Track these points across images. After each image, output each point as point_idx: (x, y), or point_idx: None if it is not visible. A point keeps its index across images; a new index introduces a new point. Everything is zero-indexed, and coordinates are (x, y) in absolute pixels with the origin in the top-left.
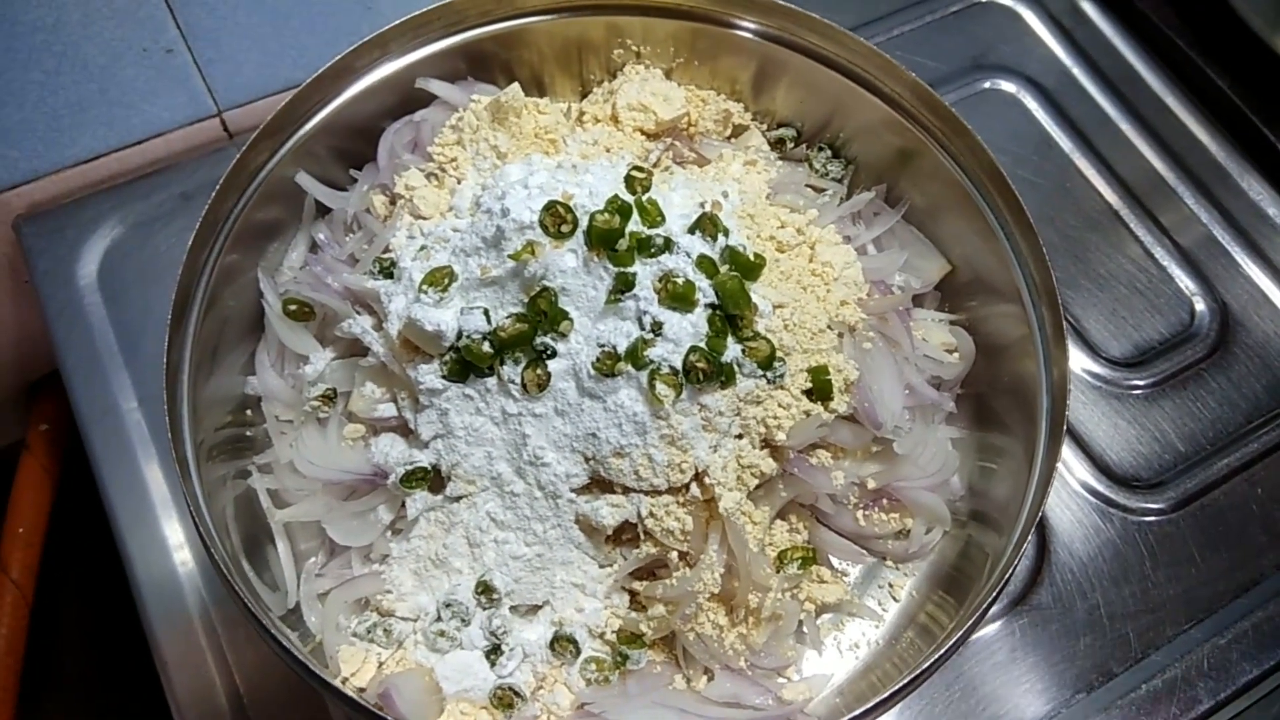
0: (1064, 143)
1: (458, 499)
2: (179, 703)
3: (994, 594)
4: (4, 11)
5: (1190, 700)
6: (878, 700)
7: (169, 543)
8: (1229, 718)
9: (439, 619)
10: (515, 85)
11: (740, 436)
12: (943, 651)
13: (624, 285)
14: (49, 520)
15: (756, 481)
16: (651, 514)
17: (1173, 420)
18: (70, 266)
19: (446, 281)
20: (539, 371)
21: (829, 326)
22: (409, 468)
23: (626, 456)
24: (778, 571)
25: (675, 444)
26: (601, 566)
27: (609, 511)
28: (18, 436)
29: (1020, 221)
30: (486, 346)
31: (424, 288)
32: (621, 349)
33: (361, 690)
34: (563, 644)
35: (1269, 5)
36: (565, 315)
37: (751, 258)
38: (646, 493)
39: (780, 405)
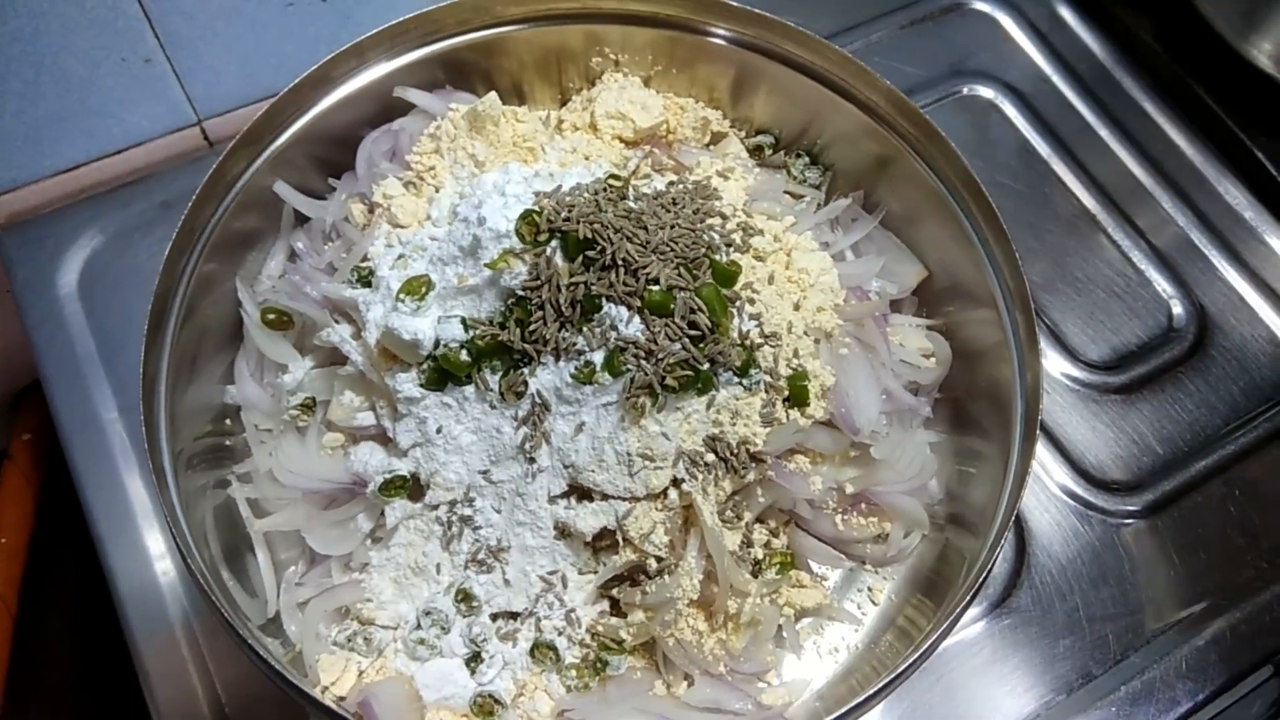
0: (1042, 148)
1: (437, 507)
2: (161, 713)
3: (970, 595)
4: None
5: (1169, 701)
6: (855, 703)
7: (150, 553)
8: (1208, 718)
9: (419, 627)
10: (493, 94)
11: (718, 443)
12: (920, 653)
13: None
14: (32, 530)
15: (734, 487)
16: (630, 520)
17: (1151, 423)
18: (50, 276)
19: (424, 290)
20: (516, 379)
21: (805, 333)
22: (388, 476)
23: (604, 464)
24: (756, 577)
25: (652, 451)
26: (581, 573)
27: (588, 518)
28: (0, 446)
29: (994, 227)
30: (464, 355)
31: (401, 296)
32: (598, 358)
33: (341, 699)
34: (543, 651)
35: (1236, 11)
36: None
37: (727, 264)
38: (625, 499)
39: (757, 412)
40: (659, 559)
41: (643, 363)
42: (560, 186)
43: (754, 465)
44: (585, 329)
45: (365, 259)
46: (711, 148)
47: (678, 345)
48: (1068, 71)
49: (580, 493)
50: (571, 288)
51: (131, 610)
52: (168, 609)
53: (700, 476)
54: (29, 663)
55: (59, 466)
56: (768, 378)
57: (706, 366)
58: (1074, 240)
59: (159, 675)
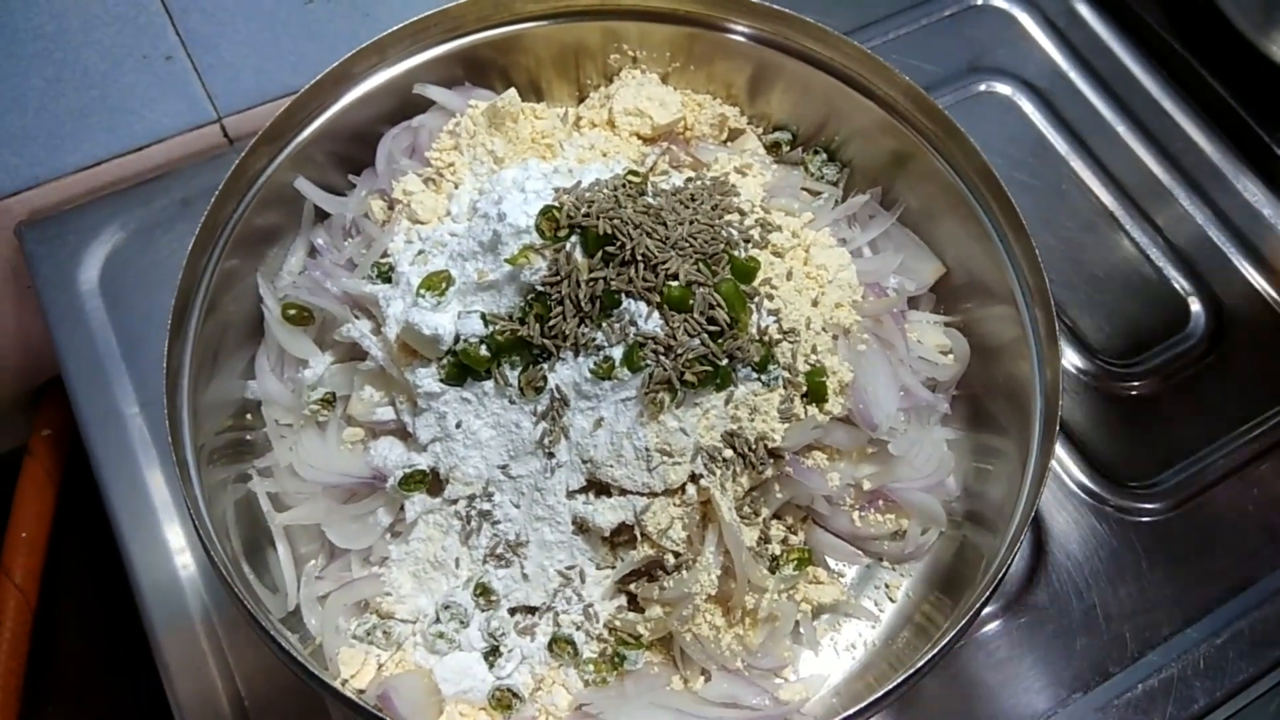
0: (1060, 145)
1: (455, 501)
2: (181, 706)
3: (988, 593)
4: (4, 19)
5: (1186, 700)
6: (872, 699)
7: (170, 546)
8: (1225, 717)
9: (438, 621)
10: (512, 91)
11: (736, 439)
12: (937, 650)
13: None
14: (52, 525)
15: (752, 483)
16: (648, 516)
17: (1168, 420)
18: (72, 272)
19: (444, 286)
20: (535, 375)
21: (824, 329)
22: (407, 470)
23: (622, 459)
24: (774, 573)
25: (670, 447)
26: (599, 568)
27: (606, 513)
28: (21, 441)
29: (1014, 224)
30: (483, 350)
31: (421, 292)
32: (617, 353)
33: (361, 692)
34: (561, 645)
35: (1255, 7)
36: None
37: (746, 260)
38: (643, 495)
39: (775, 408)
40: (676, 554)
41: (661, 358)
42: (579, 182)
43: (772, 461)
44: (604, 324)
45: (385, 255)
46: (729, 144)
47: (696, 341)
48: (1085, 68)
49: (598, 488)
50: (591, 283)
51: (152, 604)
52: (188, 603)
53: (718, 472)
54: (49, 655)
55: (80, 461)
56: (786, 374)
57: (725, 362)
58: (1092, 237)
59: (179, 668)
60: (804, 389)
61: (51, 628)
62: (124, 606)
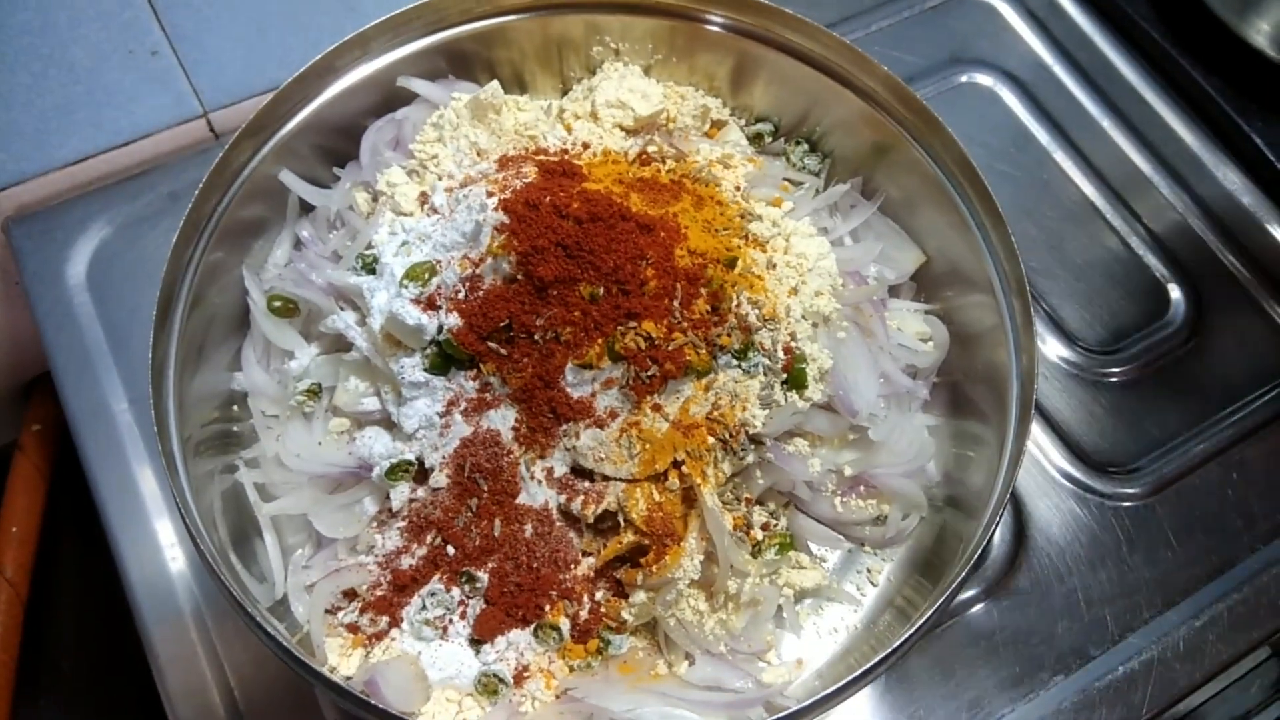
0: (1041, 135)
1: (440, 490)
2: (172, 698)
3: (964, 572)
4: None
5: (1167, 682)
6: (850, 678)
7: (160, 540)
8: (1205, 699)
9: (424, 608)
10: (495, 83)
11: (717, 425)
12: (914, 629)
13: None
14: (42, 519)
15: (734, 470)
16: (631, 502)
17: (1148, 406)
18: (59, 267)
19: (428, 276)
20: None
21: (804, 316)
22: (393, 460)
23: (605, 447)
24: (756, 557)
25: (653, 434)
26: (583, 554)
27: (589, 500)
28: (11, 437)
29: (992, 214)
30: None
31: (405, 283)
32: (600, 342)
33: (348, 678)
34: (546, 631)
35: None
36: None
37: (727, 250)
38: (626, 481)
39: (756, 395)
40: (660, 539)
41: (643, 346)
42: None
43: (753, 447)
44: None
45: (369, 246)
46: (711, 135)
47: (677, 330)
48: (1066, 59)
49: (582, 475)
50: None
51: (142, 597)
52: (177, 596)
53: (700, 458)
54: (40, 648)
55: (70, 456)
56: (766, 360)
57: (706, 350)
58: (1072, 226)
59: (169, 661)
60: (784, 376)
61: (42, 621)
62: (114, 600)
